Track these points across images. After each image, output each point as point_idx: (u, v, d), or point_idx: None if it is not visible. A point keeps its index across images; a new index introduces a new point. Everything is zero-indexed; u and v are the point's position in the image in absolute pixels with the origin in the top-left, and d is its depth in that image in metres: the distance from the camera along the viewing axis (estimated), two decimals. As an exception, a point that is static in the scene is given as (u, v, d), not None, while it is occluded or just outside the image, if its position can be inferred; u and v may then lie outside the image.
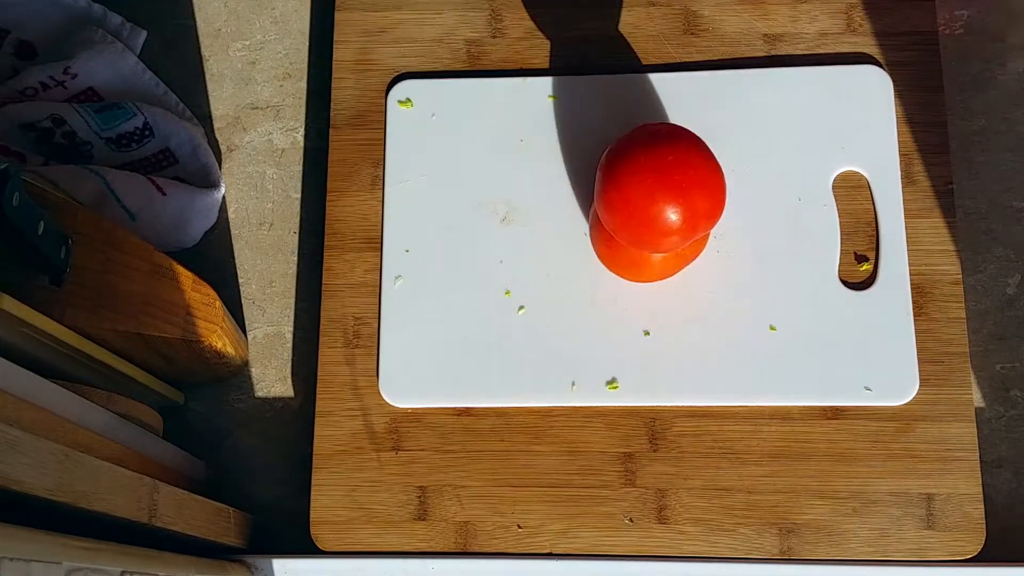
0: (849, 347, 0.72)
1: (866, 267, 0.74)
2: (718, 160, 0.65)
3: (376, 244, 0.77)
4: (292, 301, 0.81)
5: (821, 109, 0.76)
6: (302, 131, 0.84)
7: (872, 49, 0.78)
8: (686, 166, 0.63)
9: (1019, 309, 0.76)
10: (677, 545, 0.71)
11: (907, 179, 0.75)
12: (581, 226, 0.76)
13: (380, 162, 0.79)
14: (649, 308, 0.74)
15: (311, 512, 0.74)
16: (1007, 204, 0.78)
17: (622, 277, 0.73)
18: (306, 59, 0.85)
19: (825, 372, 0.72)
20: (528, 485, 0.73)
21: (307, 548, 0.74)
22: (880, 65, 0.77)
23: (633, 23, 0.80)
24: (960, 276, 0.74)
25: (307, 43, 0.86)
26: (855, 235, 0.75)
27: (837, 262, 0.74)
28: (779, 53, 0.79)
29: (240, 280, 0.81)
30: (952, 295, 0.73)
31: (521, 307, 0.75)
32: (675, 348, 0.73)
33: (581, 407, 0.73)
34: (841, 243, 0.74)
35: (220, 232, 0.82)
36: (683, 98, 0.78)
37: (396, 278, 0.76)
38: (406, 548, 0.73)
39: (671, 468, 0.72)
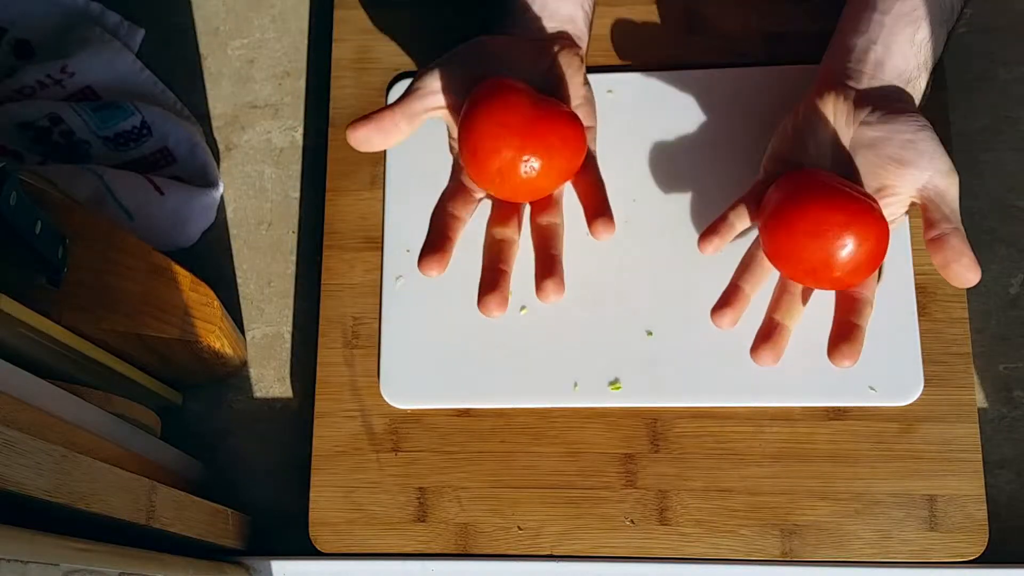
0: (853, 347, 0.72)
1: (869, 267, 0.73)
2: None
3: (375, 244, 0.77)
4: (291, 301, 0.80)
5: (823, 108, 0.76)
6: (301, 130, 0.84)
7: (874, 48, 0.78)
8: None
9: (1022, 309, 0.76)
10: (678, 547, 0.71)
11: (910, 178, 0.75)
12: (582, 224, 0.75)
13: (379, 161, 0.79)
14: (652, 308, 0.73)
15: (310, 513, 0.73)
16: (1010, 204, 0.77)
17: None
18: (305, 57, 0.85)
19: (829, 372, 0.71)
20: (529, 486, 0.73)
21: (306, 550, 0.73)
22: (882, 64, 0.77)
23: (633, 22, 0.80)
24: (963, 276, 0.73)
25: (306, 41, 0.86)
26: (857, 235, 0.74)
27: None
28: (780, 52, 0.78)
29: (238, 280, 0.81)
30: (955, 295, 0.73)
31: (523, 307, 0.74)
32: (678, 348, 0.73)
33: (582, 408, 0.73)
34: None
35: (218, 232, 0.82)
36: (683, 98, 0.77)
37: (397, 278, 0.76)
38: (406, 550, 0.72)
39: (672, 469, 0.72)
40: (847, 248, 0.61)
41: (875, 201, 0.63)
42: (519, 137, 0.63)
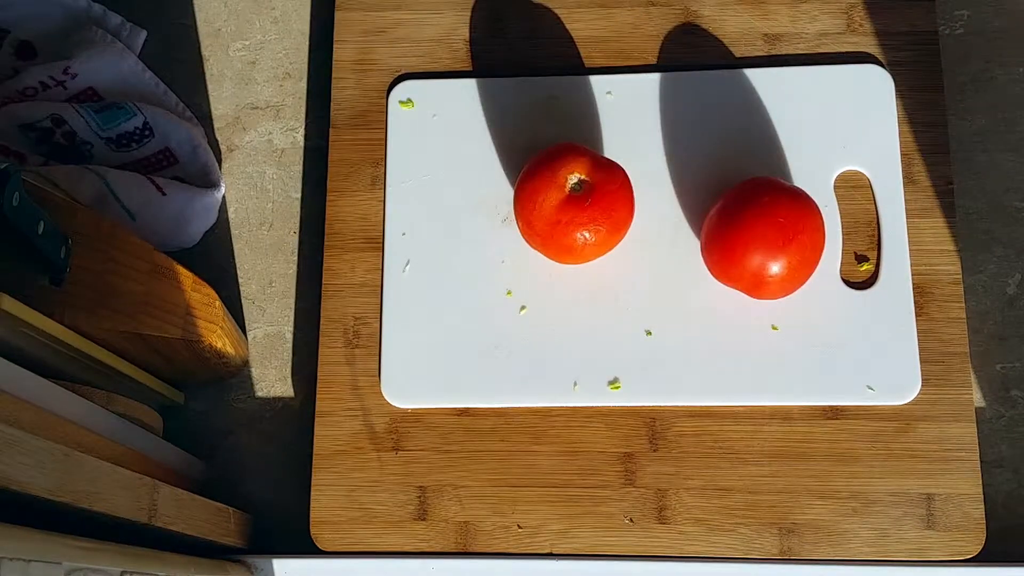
0: (852, 347, 0.72)
1: (866, 267, 0.74)
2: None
3: (376, 244, 0.78)
4: (292, 301, 0.81)
5: (822, 109, 0.77)
6: (302, 131, 0.84)
7: (872, 49, 0.78)
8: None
9: (1019, 309, 0.76)
10: (677, 545, 0.71)
11: (907, 179, 0.75)
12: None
13: (380, 162, 0.79)
14: (651, 308, 0.74)
15: (311, 512, 0.74)
16: (1007, 204, 0.78)
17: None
18: (306, 59, 0.85)
19: (828, 372, 0.72)
20: (528, 485, 0.73)
21: (307, 548, 0.74)
22: (880, 64, 0.77)
23: (633, 23, 0.80)
24: (960, 276, 0.74)
25: (307, 43, 0.86)
26: (854, 235, 0.75)
27: (839, 262, 0.74)
28: (779, 53, 0.79)
29: (240, 280, 0.81)
30: (952, 295, 0.73)
31: (523, 307, 0.75)
32: (677, 348, 0.73)
33: (581, 407, 0.73)
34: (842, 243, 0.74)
35: (220, 232, 0.82)
36: (683, 98, 0.78)
37: (398, 278, 0.76)
38: (406, 548, 0.73)
39: (671, 468, 0.72)
40: (778, 266, 0.67)
41: (806, 202, 0.68)
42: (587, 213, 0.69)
